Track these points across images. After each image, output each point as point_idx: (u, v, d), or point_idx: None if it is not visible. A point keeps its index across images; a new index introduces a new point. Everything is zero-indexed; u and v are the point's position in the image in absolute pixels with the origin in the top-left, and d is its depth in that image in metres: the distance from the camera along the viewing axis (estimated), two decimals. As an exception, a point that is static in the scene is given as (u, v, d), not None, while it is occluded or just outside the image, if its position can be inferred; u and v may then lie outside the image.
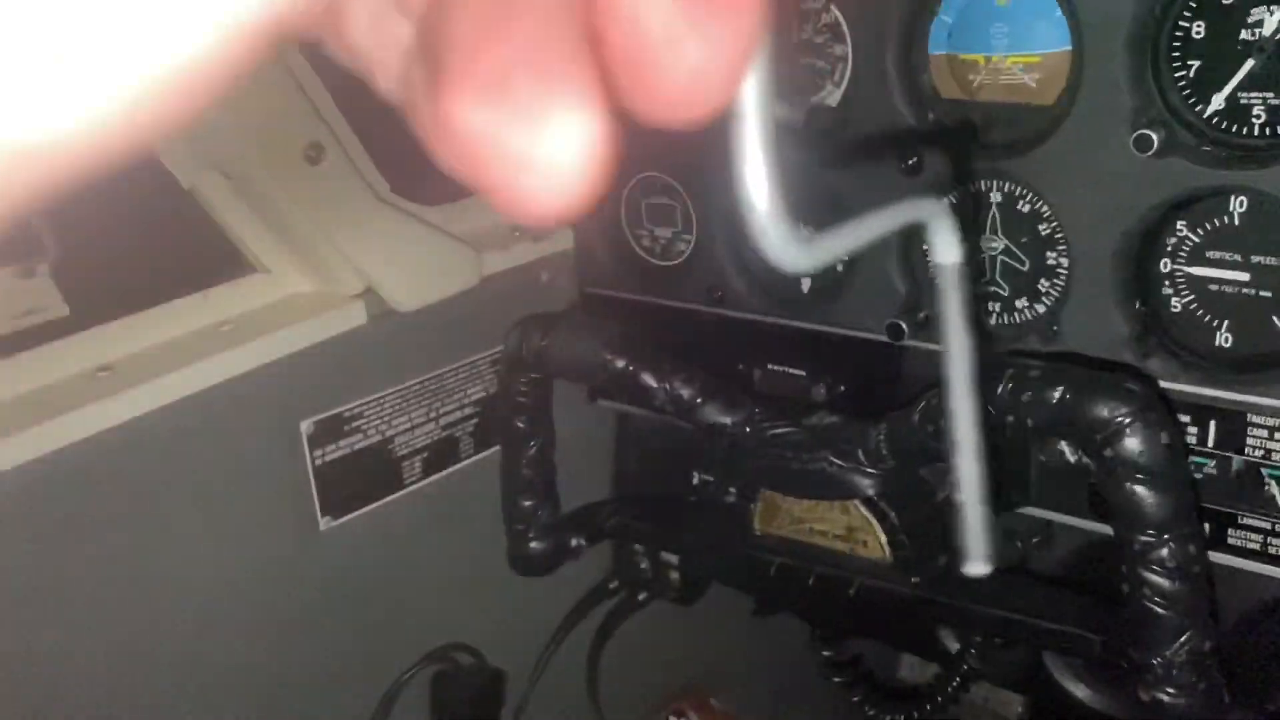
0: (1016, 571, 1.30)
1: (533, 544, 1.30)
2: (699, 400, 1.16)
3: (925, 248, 1.34)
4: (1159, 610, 0.90)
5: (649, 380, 1.16)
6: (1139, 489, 0.88)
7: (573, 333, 1.20)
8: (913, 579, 1.12)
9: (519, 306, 1.63)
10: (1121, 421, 0.85)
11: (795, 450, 1.10)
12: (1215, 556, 1.22)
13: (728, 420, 1.14)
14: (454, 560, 1.55)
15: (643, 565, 1.45)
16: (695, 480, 1.79)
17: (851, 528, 1.11)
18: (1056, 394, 0.90)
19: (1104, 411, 0.86)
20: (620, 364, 1.17)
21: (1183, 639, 0.91)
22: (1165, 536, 0.89)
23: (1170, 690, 0.92)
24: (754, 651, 1.99)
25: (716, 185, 1.47)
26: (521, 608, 1.55)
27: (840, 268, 1.42)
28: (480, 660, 1.59)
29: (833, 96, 1.37)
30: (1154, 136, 1.08)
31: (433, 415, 1.54)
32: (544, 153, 0.23)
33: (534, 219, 0.24)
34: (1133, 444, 0.84)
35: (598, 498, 1.85)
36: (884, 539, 1.09)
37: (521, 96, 0.22)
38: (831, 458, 1.09)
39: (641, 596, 1.51)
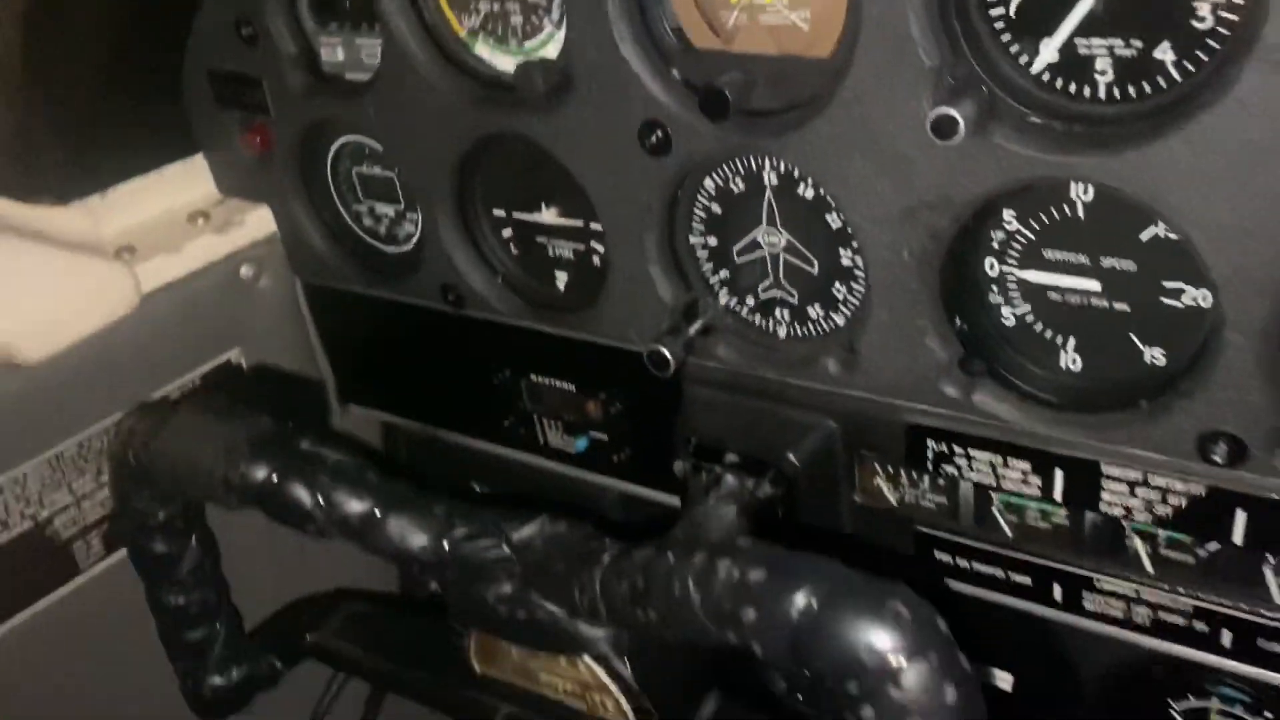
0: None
1: (212, 680, 1.00)
2: (376, 516, 0.84)
3: (701, 239, 1.01)
4: None
5: (299, 494, 0.84)
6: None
7: (182, 433, 0.87)
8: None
9: (213, 318, 1.28)
10: (883, 671, 0.55)
11: (503, 599, 0.81)
12: (1070, 620, 0.97)
13: (415, 545, 0.84)
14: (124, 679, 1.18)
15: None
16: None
17: (585, 684, 0.82)
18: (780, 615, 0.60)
19: (857, 655, 0.56)
20: (258, 473, 0.85)
21: None
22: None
23: None
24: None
25: (430, 156, 1.11)
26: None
27: (598, 261, 1.09)
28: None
29: (553, 42, 1.01)
30: (958, 119, 0.75)
31: (105, 480, 1.20)
32: None
33: None
34: (900, 702, 0.55)
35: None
36: (624, 703, 0.81)
37: None
38: (546, 604, 0.79)
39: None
